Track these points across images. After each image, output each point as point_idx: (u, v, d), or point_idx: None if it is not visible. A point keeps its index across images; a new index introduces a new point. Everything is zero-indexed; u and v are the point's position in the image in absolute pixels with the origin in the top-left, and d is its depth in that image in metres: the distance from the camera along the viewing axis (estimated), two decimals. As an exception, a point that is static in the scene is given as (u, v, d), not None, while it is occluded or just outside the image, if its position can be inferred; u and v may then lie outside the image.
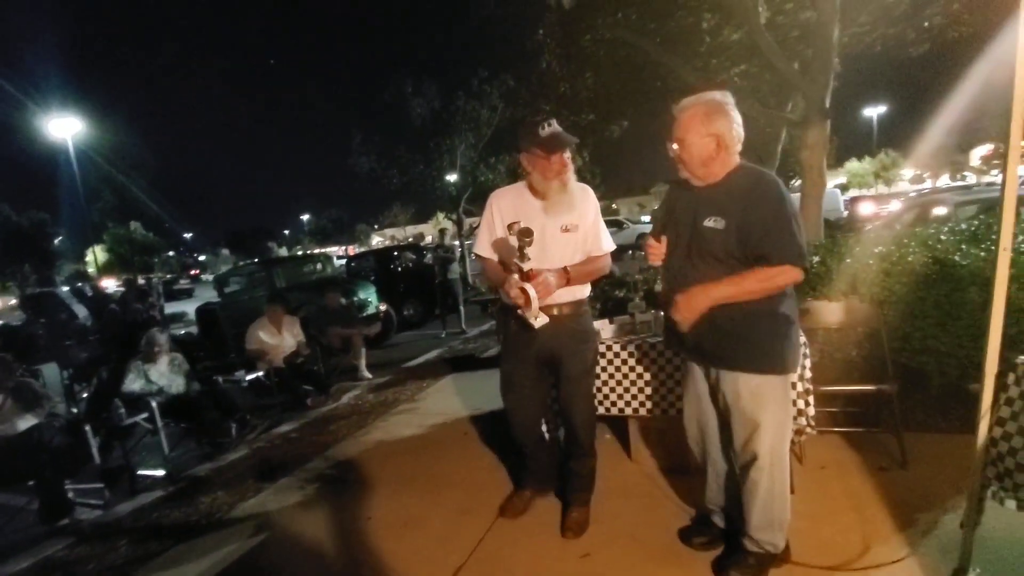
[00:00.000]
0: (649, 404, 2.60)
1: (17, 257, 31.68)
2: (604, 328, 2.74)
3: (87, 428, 3.50)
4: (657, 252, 1.94)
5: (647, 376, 2.58)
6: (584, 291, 2.34)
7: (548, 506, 2.61)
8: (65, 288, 17.10)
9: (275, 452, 3.85)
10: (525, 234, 1.98)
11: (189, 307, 16.26)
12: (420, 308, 9.20)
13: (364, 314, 7.55)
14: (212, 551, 2.57)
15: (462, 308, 8.13)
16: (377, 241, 52.84)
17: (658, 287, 2.94)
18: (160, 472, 3.79)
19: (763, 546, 1.88)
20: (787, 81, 5.90)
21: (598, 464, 2.53)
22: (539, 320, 2.10)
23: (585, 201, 2.27)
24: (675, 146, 1.79)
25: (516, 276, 2.06)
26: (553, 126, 2.16)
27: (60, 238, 32.68)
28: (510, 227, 2.06)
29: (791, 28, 6.11)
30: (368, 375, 5.79)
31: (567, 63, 7.36)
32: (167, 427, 4.02)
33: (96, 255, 29.34)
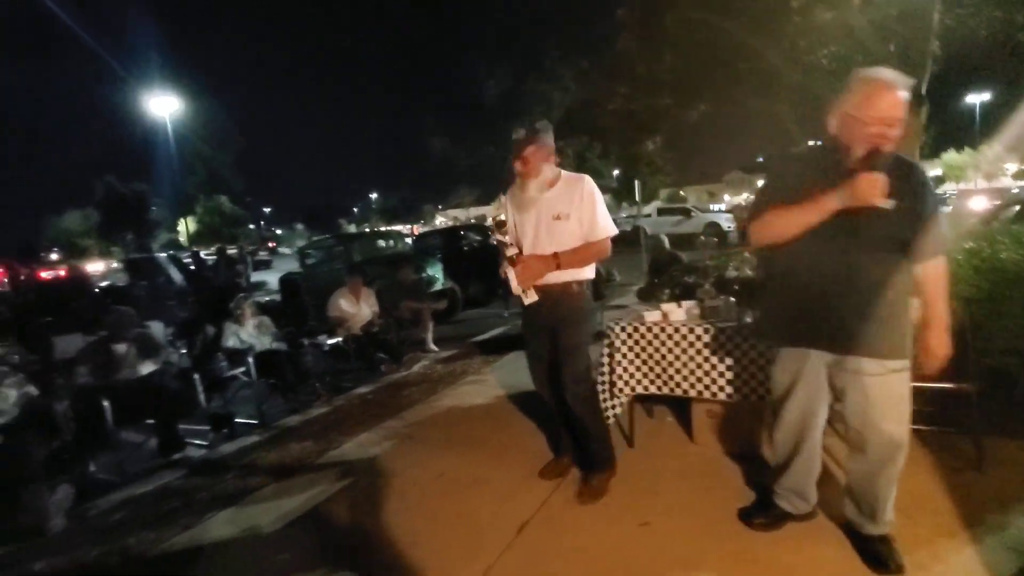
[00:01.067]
0: (715, 388, 2.64)
1: (121, 225, 35.09)
2: (673, 312, 2.79)
3: (196, 377, 3.96)
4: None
5: (715, 360, 2.62)
6: (581, 273, 2.49)
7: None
8: (162, 254, 18.78)
9: (354, 411, 4.19)
10: (500, 225, 2.36)
11: (268, 277, 17.48)
12: (484, 287, 9.44)
13: (432, 290, 7.87)
14: (305, 490, 2.89)
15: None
16: (440, 221, 54.04)
17: (732, 273, 2.94)
18: (254, 421, 4.23)
19: (890, 529, 1.91)
20: (881, 64, 5.54)
21: (658, 443, 2.68)
22: (528, 297, 2.37)
23: (575, 191, 2.42)
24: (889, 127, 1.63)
25: (505, 261, 2.38)
26: (518, 132, 2.41)
27: (156, 208, 35.83)
28: (493, 219, 2.44)
29: (888, 7, 5.70)
30: (435, 348, 6.09)
31: (646, 44, 7.22)
32: (260, 382, 4.46)
33: (188, 225, 31.96)
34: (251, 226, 53.71)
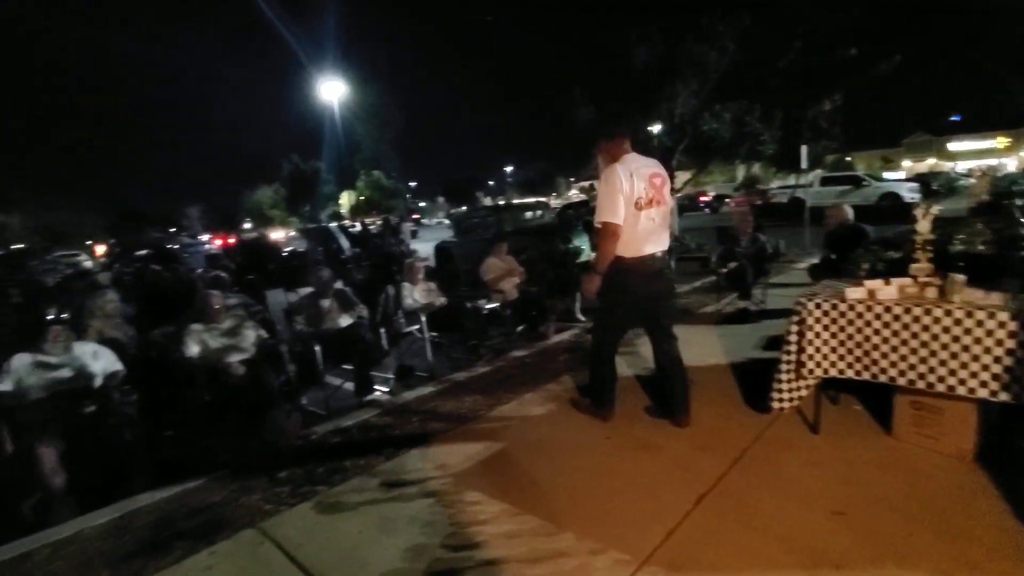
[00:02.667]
0: (933, 378, 2.33)
1: (301, 198, 40.50)
2: (880, 290, 2.50)
3: (382, 331, 4.49)
4: None
5: (936, 346, 2.30)
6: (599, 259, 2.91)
7: (794, 456, 2.58)
8: (333, 224, 21.31)
9: (514, 372, 4.44)
10: None
11: (415, 246, 18.97)
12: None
13: (579, 260, 7.94)
14: (483, 438, 3.16)
15: (673, 263, 7.98)
16: (573, 194, 53.72)
17: (957, 247, 2.54)
18: (425, 374, 4.70)
19: None
20: None
21: (848, 432, 2.81)
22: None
23: None
24: None
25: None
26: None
27: (328, 185, 40.68)
28: None
29: None
30: (582, 317, 6.17)
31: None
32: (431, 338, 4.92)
33: (348, 198, 35.81)
34: (403, 199, 58.42)
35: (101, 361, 3.38)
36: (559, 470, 2.73)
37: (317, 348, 4.05)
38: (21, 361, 3.19)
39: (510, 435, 3.19)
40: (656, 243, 2.88)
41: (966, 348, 2.23)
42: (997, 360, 2.18)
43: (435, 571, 2.04)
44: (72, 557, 2.42)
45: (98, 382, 3.30)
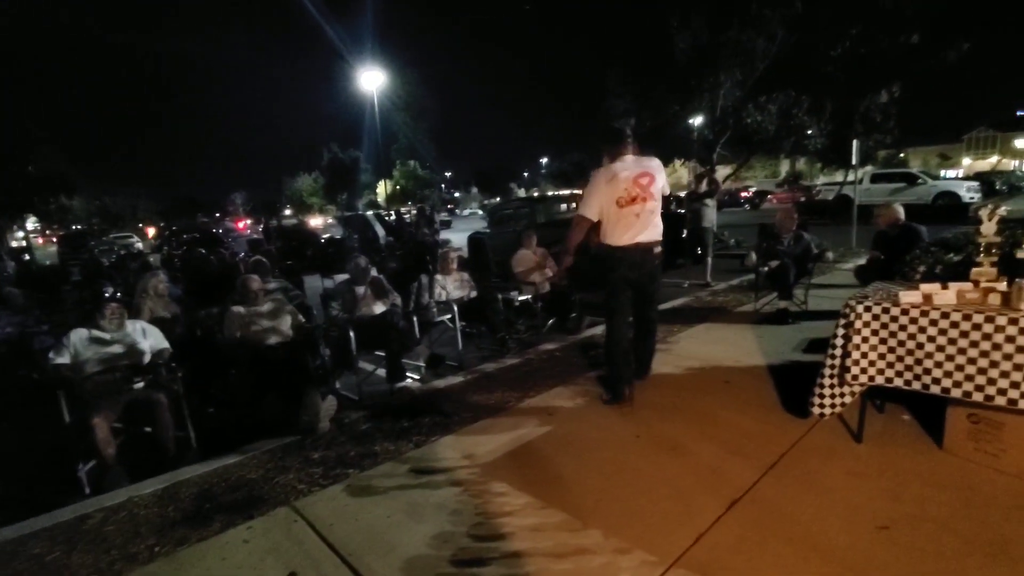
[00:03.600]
0: (993, 391, 2.18)
1: (339, 186, 41.41)
2: (938, 294, 2.35)
3: (415, 319, 4.54)
4: None
5: (997, 356, 2.15)
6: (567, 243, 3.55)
7: (835, 465, 2.48)
8: (369, 212, 21.66)
9: (543, 365, 4.42)
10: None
11: (449, 236, 19.11)
12: (664, 256, 9.09)
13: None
14: (511, 430, 3.16)
15: (710, 259, 7.79)
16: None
17: (1026, 252, 2.36)
18: (454, 363, 4.73)
19: None
20: None
21: (895, 443, 2.70)
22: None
23: None
24: None
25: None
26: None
27: (364, 172, 41.40)
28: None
29: None
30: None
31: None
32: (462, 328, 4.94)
33: (385, 187, 36.31)
34: (437, 188, 58.87)
35: (150, 339, 3.53)
36: (586, 466, 2.70)
37: (351, 334, 4.12)
38: (79, 336, 3.36)
39: (538, 428, 3.17)
40: (639, 233, 3.30)
41: (1002, 357, 2.08)
42: (994, 365, 2.04)
43: (460, 560, 2.05)
44: (122, 522, 2.56)
45: (147, 359, 3.45)
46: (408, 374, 4.38)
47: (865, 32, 7.15)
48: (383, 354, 4.23)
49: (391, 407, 3.71)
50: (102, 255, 20.07)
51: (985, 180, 21.25)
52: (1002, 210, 2.40)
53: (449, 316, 4.88)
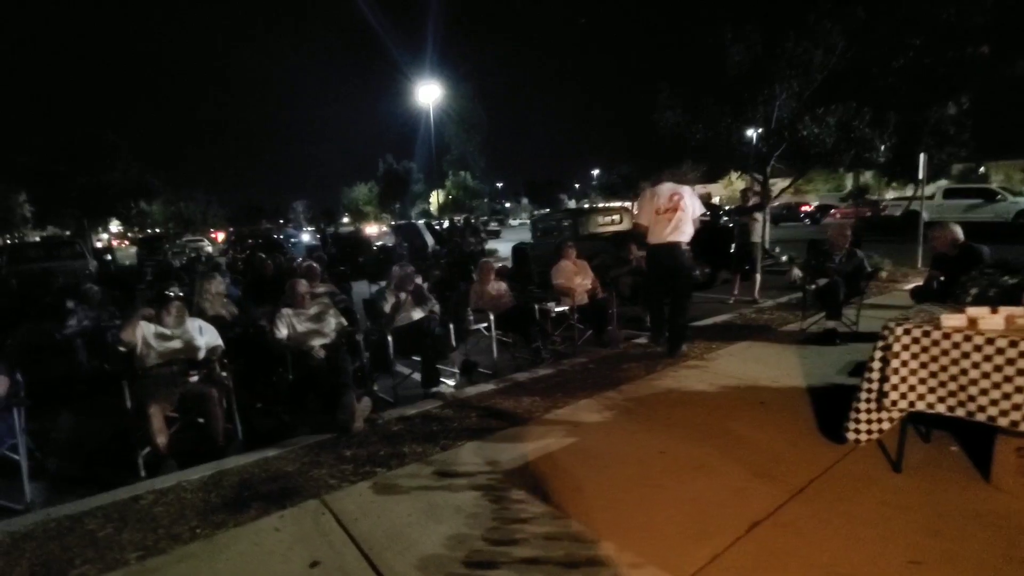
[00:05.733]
0: (1043, 421, 2.04)
1: (393, 195, 42.87)
2: (985, 318, 2.22)
3: (451, 326, 4.66)
4: None
5: (1048, 386, 2.01)
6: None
7: (869, 494, 2.38)
8: (420, 221, 22.27)
9: (575, 377, 4.43)
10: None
11: (497, 245, 19.34)
12: (709, 270, 8.87)
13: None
14: (536, 439, 3.20)
15: (758, 276, 7.54)
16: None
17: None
18: (488, 371, 4.81)
19: None
20: None
21: (938, 475, 2.56)
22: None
23: None
24: None
25: None
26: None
27: (418, 183, 42.70)
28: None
29: None
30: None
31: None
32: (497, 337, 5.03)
33: (438, 197, 37.22)
34: (485, 199, 59.79)
35: (206, 336, 3.81)
36: (607, 479, 2.70)
37: (389, 338, 4.29)
38: (147, 330, 3.68)
39: (562, 439, 3.20)
40: (672, 235, 4.72)
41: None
42: None
43: (473, 561, 2.11)
44: (170, 504, 2.77)
45: (202, 354, 3.73)
46: (443, 379, 4.50)
47: (928, 43, 6.77)
48: (420, 359, 4.36)
49: (423, 411, 3.83)
50: (174, 257, 21.61)
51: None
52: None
53: (485, 324, 4.97)
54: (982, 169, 41.99)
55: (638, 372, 4.40)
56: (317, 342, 4.06)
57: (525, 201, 68.41)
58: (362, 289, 7.88)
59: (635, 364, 4.62)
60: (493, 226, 37.88)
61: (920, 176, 8.95)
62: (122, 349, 3.58)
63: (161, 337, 3.68)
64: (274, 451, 3.28)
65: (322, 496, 2.69)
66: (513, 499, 2.54)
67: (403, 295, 4.60)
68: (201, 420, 3.50)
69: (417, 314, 4.59)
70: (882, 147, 9.72)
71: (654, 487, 2.60)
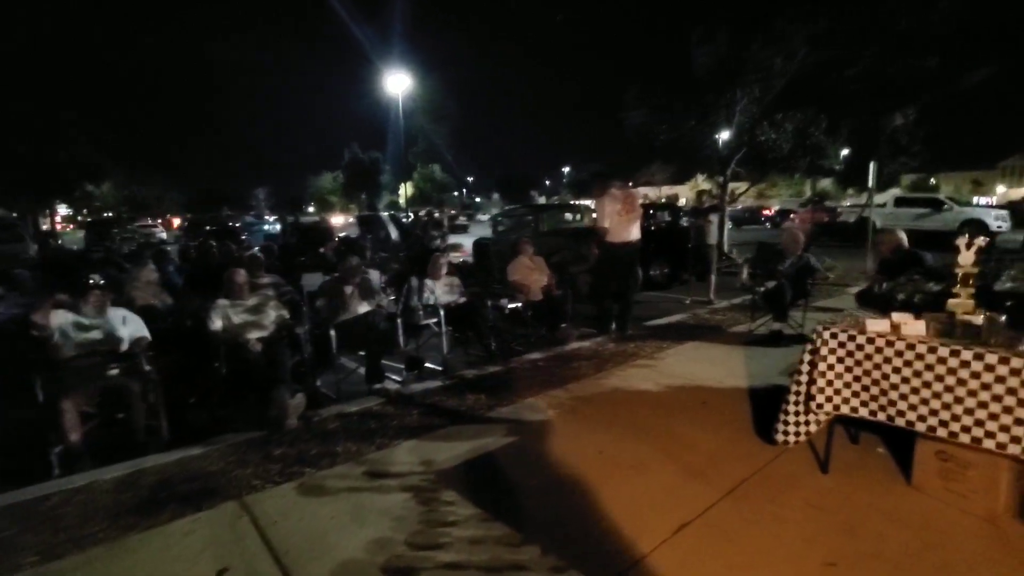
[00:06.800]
0: (957, 427, 2.08)
1: (358, 186, 42.05)
2: (908, 323, 2.26)
3: (399, 322, 4.54)
4: None
5: (962, 392, 2.06)
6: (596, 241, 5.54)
7: (795, 495, 2.40)
8: (384, 213, 21.85)
9: (524, 374, 4.38)
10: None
11: (465, 240, 19.17)
12: (667, 270, 8.98)
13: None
14: (475, 438, 3.13)
15: (713, 277, 7.66)
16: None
17: (1005, 284, 2.26)
18: (438, 367, 4.71)
19: None
20: None
21: (862, 476, 2.55)
22: None
23: None
24: None
25: None
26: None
27: (385, 174, 41.93)
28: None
29: None
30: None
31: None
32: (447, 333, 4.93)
33: (407, 189, 36.62)
34: (455, 193, 59.21)
35: (129, 327, 3.59)
36: (542, 480, 2.65)
37: (332, 333, 4.14)
38: (64, 319, 3.43)
39: (502, 438, 3.14)
40: (626, 234, 5.35)
41: (997, 398, 1.98)
42: (984, 405, 1.93)
43: (392, 567, 2.02)
44: (80, 504, 2.59)
45: (125, 346, 3.51)
46: (390, 375, 4.38)
47: (882, 53, 7.00)
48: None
49: (363, 408, 3.71)
50: (124, 243, 20.61)
51: (1016, 209, 20.56)
52: (981, 240, 2.31)
53: (436, 320, 4.87)
54: (932, 180, 44.15)
55: (587, 370, 4.39)
56: (254, 335, 3.88)
57: (496, 196, 68.16)
58: (317, 281, 7.63)
59: (585, 362, 4.61)
60: (461, 220, 37.54)
61: (870, 184, 9.26)
62: (35, 334, 3.33)
63: (79, 327, 3.45)
64: (198, 449, 3.11)
65: (243, 498, 2.56)
66: (443, 501, 2.47)
67: (349, 288, 4.45)
68: (122, 416, 3.29)
69: (363, 308, 4.45)
70: (836, 154, 10.00)
71: (589, 488, 2.56)
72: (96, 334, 3.45)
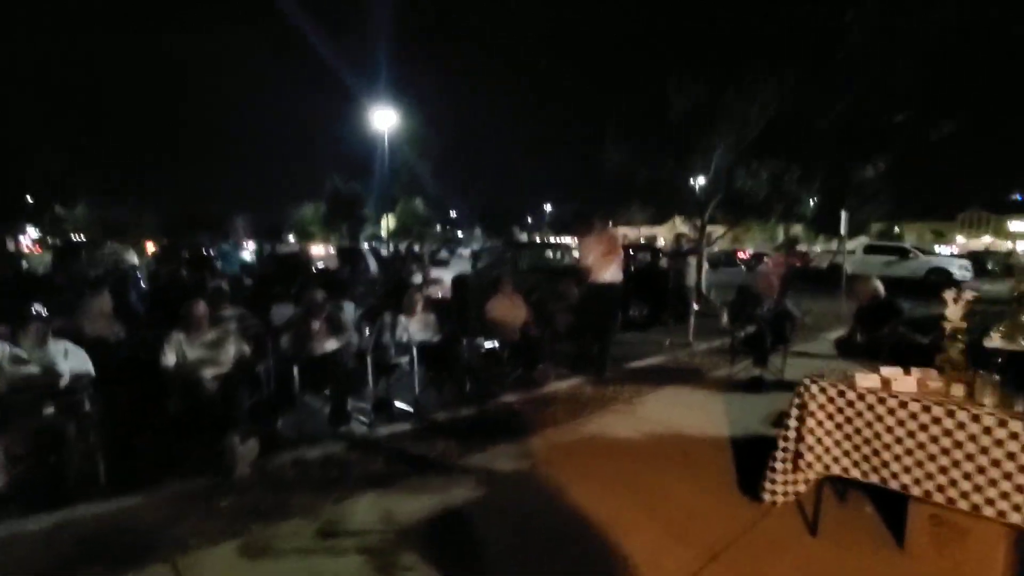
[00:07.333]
0: (954, 492, 1.97)
1: (339, 217, 41.76)
2: (899, 380, 2.17)
3: (369, 359, 4.32)
4: None
5: (959, 455, 1.95)
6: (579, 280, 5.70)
7: (783, 560, 2.23)
8: (365, 245, 21.66)
9: (499, 418, 4.18)
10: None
11: (445, 275, 19.03)
12: (647, 311, 8.92)
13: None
14: (442, 491, 2.90)
15: (692, 319, 7.61)
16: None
17: (995, 343, 2.19)
18: (409, 408, 4.47)
19: None
20: None
21: (853, 539, 2.38)
22: None
23: None
24: None
25: None
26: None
27: (367, 206, 41.77)
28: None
29: None
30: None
31: (881, 48, 6.07)
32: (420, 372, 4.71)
33: (389, 222, 36.44)
34: (437, 227, 59.30)
35: (71, 360, 3.30)
36: (512, 542, 2.44)
37: (295, 371, 3.90)
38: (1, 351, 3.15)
39: (471, 491, 2.92)
40: (610, 275, 5.35)
41: (996, 463, 1.87)
42: (982, 470, 1.83)
43: (338, 650, 1.78)
44: (-10, 562, 2.28)
45: (65, 382, 3.22)
46: (359, 417, 4.13)
47: (851, 109, 7.31)
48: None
49: (324, 454, 3.45)
50: (91, 268, 19.90)
51: (978, 259, 21.37)
52: (968, 294, 2.25)
53: (407, 359, 4.66)
54: (897, 228, 45.93)
55: (564, 415, 4.20)
56: (209, 372, 3.62)
57: (479, 231, 68.49)
58: (288, 313, 7.35)
59: (562, 406, 4.43)
60: (443, 255, 37.42)
61: (842, 232, 9.48)
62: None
63: (15, 360, 3.16)
64: (135, 499, 2.82)
65: (175, 559, 2.28)
66: (402, 566, 2.23)
67: (316, 324, 4.24)
68: (56, 458, 2.98)
69: (331, 344, 4.23)
70: (808, 202, 10.26)
71: (564, 551, 2.36)
72: (33, 368, 3.17)
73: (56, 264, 21.24)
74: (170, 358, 3.65)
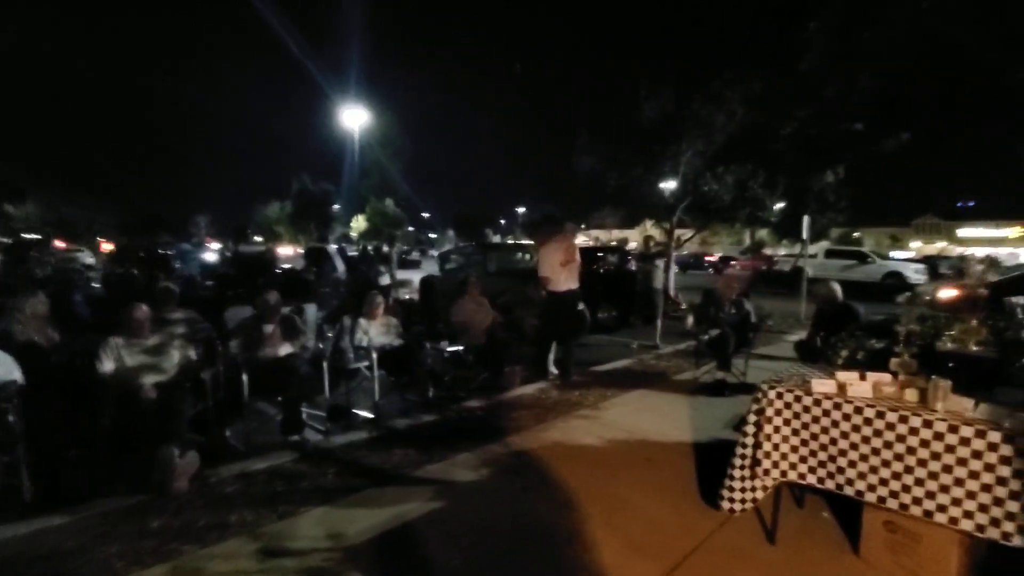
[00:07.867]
0: (908, 499, 1.95)
1: (307, 217, 40.91)
2: (854, 384, 2.15)
3: (325, 365, 4.15)
4: None
5: (912, 460, 1.94)
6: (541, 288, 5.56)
7: (742, 570, 2.18)
8: (332, 246, 21.18)
9: (461, 424, 4.06)
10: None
11: (415, 276, 18.75)
12: (615, 313, 8.93)
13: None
14: (396, 503, 2.77)
15: (659, 321, 7.64)
16: (580, 240, 53.71)
17: (948, 345, 2.20)
18: (369, 415, 4.31)
19: None
20: None
21: (809, 545, 2.34)
22: None
23: None
24: None
25: None
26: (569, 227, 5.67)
27: (337, 206, 41.03)
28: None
29: None
30: (554, 370, 5.78)
31: (840, 61, 6.23)
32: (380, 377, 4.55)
33: (360, 223, 35.83)
34: (410, 228, 58.71)
35: (-6, 368, 3.05)
36: (468, 557, 2.33)
37: (244, 376, 3.71)
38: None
39: (426, 503, 2.80)
40: (569, 282, 5.35)
41: (948, 469, 1.86)
42: (986, 488, 1.81)
43: None
44: None
45: (-15, 391, 2.96)
46: (310, 423, 3.96)
47: (811, 117, 7.52)
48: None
49: (272, 465, 3.28)
50: (39, 267, 18.89)
51: (931, 263, 22.32)
52: (921, 298, 2.26)
53: (367, 364, 4.50)
54: (856, 233, 47.61)
55: (528, 421, 4.12)
56: (150, 379, 3.40)
57: (451, 233, 68.08)
58: (244, 315, 7.06)
59: (526, 411, 4.34)
60: (414, 256, 36.99)
61: (804, 236, 9.70)
62: None
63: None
64: (61, 519, 2.60)
65: (97, 587, 2.10)
66: (347, 585, 2.10)
67: (270, 327, 4.05)
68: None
69: (285, 349, 4.04)
70: (773, 207, 10.48)
71: (521, 568, 2.26)
72: (-52, 377, 2.90)
73: (5, 264, 20.16)
74: (107, 365, 3.42)
